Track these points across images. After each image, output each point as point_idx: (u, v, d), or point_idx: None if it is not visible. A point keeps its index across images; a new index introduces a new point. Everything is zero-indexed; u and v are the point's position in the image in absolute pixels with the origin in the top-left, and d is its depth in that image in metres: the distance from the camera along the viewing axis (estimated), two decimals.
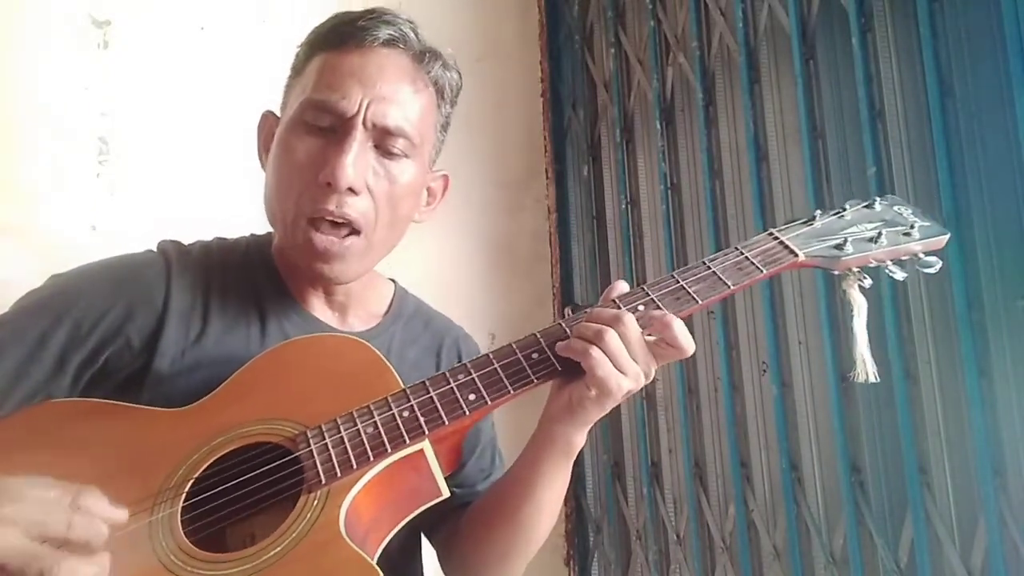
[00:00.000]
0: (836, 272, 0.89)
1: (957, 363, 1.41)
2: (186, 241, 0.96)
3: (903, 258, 0.91)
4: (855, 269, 0.89)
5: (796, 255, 0.87)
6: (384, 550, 0.76)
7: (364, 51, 0.89)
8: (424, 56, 0.92)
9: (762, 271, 0.86)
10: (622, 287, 0.86)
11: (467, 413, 0.79)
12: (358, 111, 0.86)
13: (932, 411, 1.47)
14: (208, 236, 0.99)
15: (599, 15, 2.30)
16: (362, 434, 0.77)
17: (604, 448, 2.16)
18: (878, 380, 0.88)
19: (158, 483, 0.75)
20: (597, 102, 2.29)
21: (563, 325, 0.84)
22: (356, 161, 0.85)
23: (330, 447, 0.76)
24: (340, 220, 0.86)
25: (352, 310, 0.98)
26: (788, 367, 1.72)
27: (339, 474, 0.74)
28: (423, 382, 0.81)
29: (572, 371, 0.80)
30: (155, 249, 0.94)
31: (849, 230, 0.90)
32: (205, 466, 0.76)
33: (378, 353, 0.85)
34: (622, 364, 0.78)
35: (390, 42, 0.90)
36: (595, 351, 0.77)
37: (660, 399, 2.04)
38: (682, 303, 0.83)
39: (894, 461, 1.52)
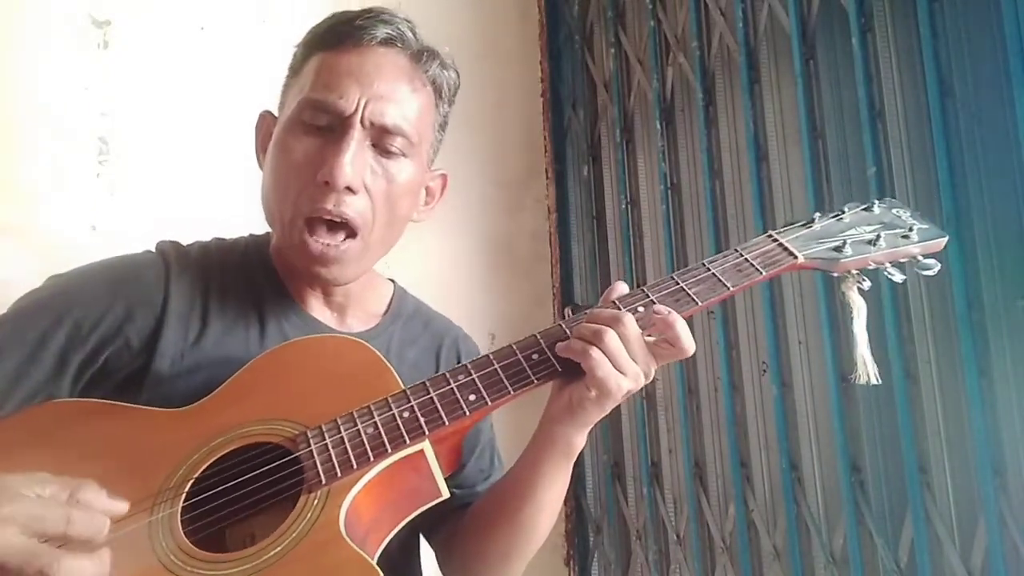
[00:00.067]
0: (835, 274, 0.90)
1: (957, 363, 1.42)
2: (185, 241, 0.96)
3: (902, 260, 0.91)
4: (854, 271, 0.89)
5: (795, 257, 0.87)
6: (384, 550, 0.76)
7: (362, 50, 0.89)
8: (422, 55, 0.92)
9: (761, 273, 0.86)
10: (622, 288, 0.86)
11: (467, 414, 0.79)
12: (356, 110, 0.86)
13: (932, 411, 1.47)
14: (208, 236, 0.99)
15: (599, 15, 2.30)
16: (362, 434, 0.77)
17: (604, 448, 2.16)
18: (879, 382, 0.88)
19: (158, 483, 0.75)
20: (597, 102, 2.29)
21: (563, 326, 0.84)
22: (354, 160, 0.85)
23: (330, 447, 0.76)
24: (337, 220, 0.86)
25: (351, 310, 0.98)
26: (788, 367, 1.72)
27: (339, 474, 0.74)
28: (423, 383, 0.81)
29: (572, 372, 0.80)
30: (154, 250, 0.94)
31: (848, 232, 0.90)
32: (205, 466, 0.76)
33: (378, 354, 0.85)
34: (621, 364, 0.78)
35: (387, 41, 0.90)
36: (595, 351, 0.77)
37: (660, 399, 2.04)
38: (682, 304, 0.83)
39: (894, 461, 1.52)
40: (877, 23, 1.58)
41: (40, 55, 1.59)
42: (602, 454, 2.17)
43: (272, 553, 0.70)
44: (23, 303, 0.87)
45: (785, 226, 0.93)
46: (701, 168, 1.94)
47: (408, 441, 0.77)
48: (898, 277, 0.90)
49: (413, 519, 0.79)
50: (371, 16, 0.90)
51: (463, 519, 0.98)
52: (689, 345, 0.80)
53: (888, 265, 0.90)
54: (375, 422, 0.78)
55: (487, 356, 0.83)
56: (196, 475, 0.75)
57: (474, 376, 0.81)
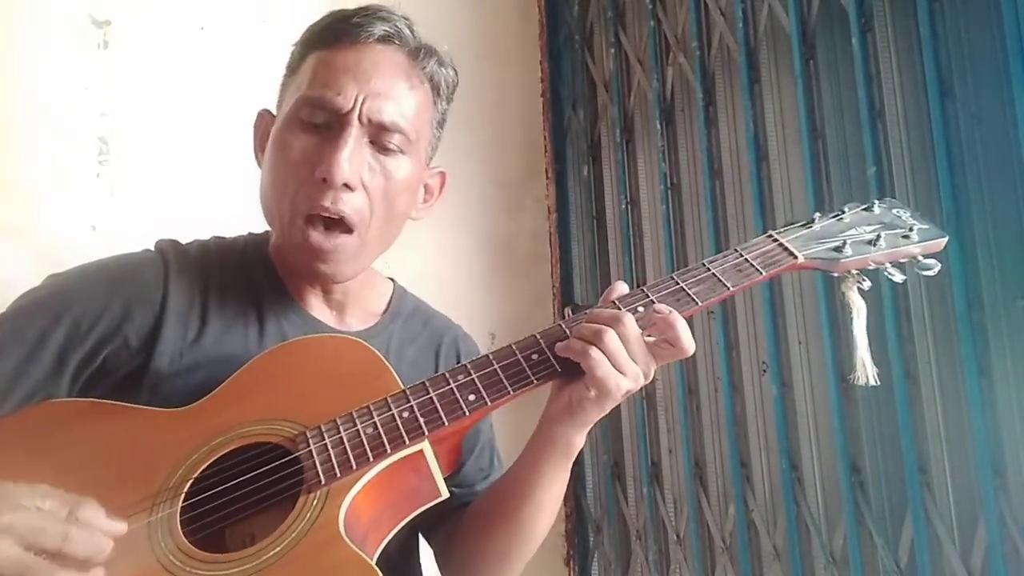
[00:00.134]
0: (835, 274, 0.90)
1: (957, 363, 1.41)
2: (184, 240, 0.96)
3: (902, 260, 0.91)
4: (854, 271, 0.89)
5: (795, 257, 0.87)
6: (383, 550, 0.76)
7: (359, 47, 0.89)
8: (419, 52, 0.92)
9: (761, 273, 0.86)
10: (622, 288, 0.86)
11: (467, 414, 0.79)
12: (353, 107, 0.86)
13: (932, 411, 1.47)
14: (208, 236, 0.99)
15: (599, 15, 2.29)
16: (361, 435, 0.77)
17: (604, 448, 2.16)
18: (878, 383, 0.88)
19: (157, 483, 0.75)
20: (597, 102, 2.29)
21: (563, 326, 0.84)
22: (352, 156, 0.85)
23: (329, 448, 0.76)
24: (335, 217, 0.86)
25: (350, 309, 0.98)
26: (788, 367, 1.72)
27: (338, 475, 0.74)
28: (423, 383, 0.81)
29: (572, 372, 0.80)
30: (153, 248, 0.94)
31: (848, 232, 0.90)
32: (204, 466, 0.76)
33: (378, 354, 0.85)
34: (621, 364, 0.78)
35: (385, 38, 0.90)
36: (594, 351, 0.77)
37: (660, 399, 2.04)
38: (682, 304, 0.83)
39: (894, 461, 1.51)
40: (877, 23, 1.58)
41: (40, 55, 1.59)
42: (602, 454, 2.17)
43: (271, 553, 0.70)
44: (22, 302, 0.87)
45: (785, 226, 0.93)
46: (701, 168, 1.93)
47: (407, 441, 0.77)
48: (898, 277, 0.90)
49: (412, 519, 0.79)
50: (368, 14, 0.90)
51: (462, 518, 0.98)
52: (689, 345, 0.80)
53: (888, 265, 0.90)
54: (374, 422, 0.78)
55: (487, 356, 0.83)
56: (195, 475, 0.75)
57: (473, 376, 0.81)
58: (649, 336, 0.81)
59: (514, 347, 0.83)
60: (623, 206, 2.14)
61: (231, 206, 1.31)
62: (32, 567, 0.60)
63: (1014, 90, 1.33)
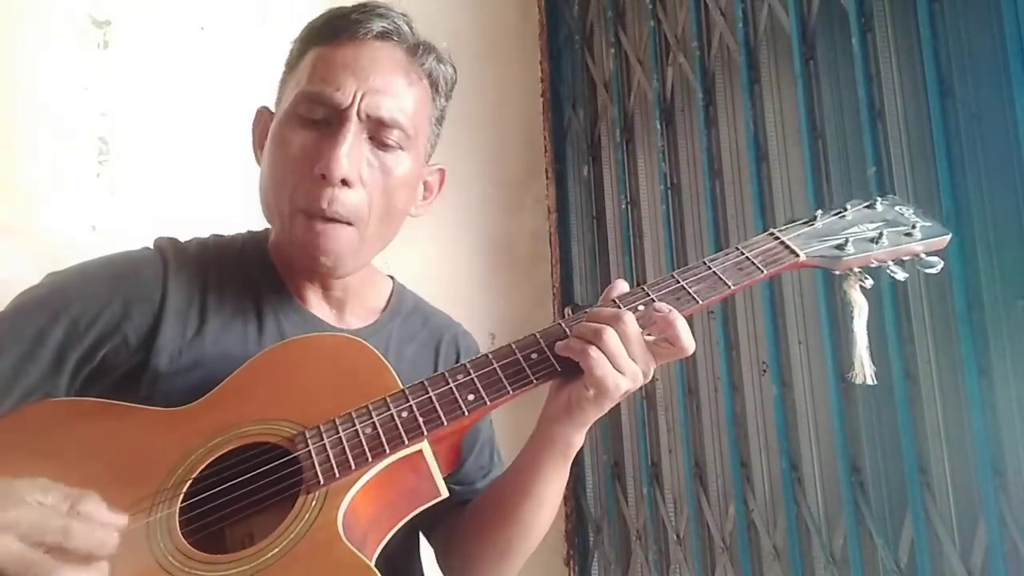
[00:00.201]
0: (837, 272, 0.89)
1: (957, 363, 1.41)
2: (183, 239, 0.96)
3: (904, 258, 0.91)
4: (856, 269, 0.89)
5: (797, 255, 0.87)
6: (383, 550, 0.76)
7: (357, 44, 0.89)
8: (418, 49, 0.92)
9: (763, 271, 0.85)
10: (622, 287, 0.86)
11: (466, 413, 0.79)
12: (352, 103, 0.86)
13: (932, 411, 1.47)
14: (206, 235, 0.99)
15: (599, 15, 2.29)
16: (360, 435, 0.77)
17: (604, 448, 2.16)
18: (876, 383, 0.87)
19: (156, 483, 0.74)
20: (597, 102, 2.29)
21: (562, 325, 0.84)
22: (351, 152, 0.85)
23: (328, 448, 0.76)
24: (332, 217, 0.86)
25: (350, 306, 0.98)
26: (788, 367, 1.72)
27: (337, 475, 0.74)
28: (422, 382, 0.81)
29: (571, 371, 0.80)
30: (152, 246, 0.94)
31: (850, 230, 0.90)
32: (203, 466, 0.76)
33: (377, 353, 0.84)
34: (620, 364, 0.78)
35: (383, 35, 0.90)
36: (593, 351, 0.77)
37: (660, 399, 2.04)
38: (682, 303, 0.83)
39: (894, 461, 1.51)
40: (877, 23, 1.58)
41: (40, 55, 1.59)
42: (602, 454, 2.17)
43: (270, 554, 0.70)
44: (21, 300, 0.87)
45: (787, 224, 0.92)
46: (701, 168, 1.93)
47: (407, 441, 0.76)
48: (901, 275, 0.89)
49: (412, 517, 0.78)
50: (367, 10, 0.90)
51: (462, 516, 0.97)
52: (689, 344, 0.80)
53: (890, 263, 0.89)
54: (373, 422, 0.77)
55: (486, 355, 0.83)
56: (194, 475, 0.75)
57: (473, 376, 0.81)
58: (649, 335, 0.81)
59: (513, 346, 0.82)
60: (623, 206, 2.14)
61: (231, 206, 1.31)
62: (35, 562, 0.60)
63: (1014, 90, 1.33)
